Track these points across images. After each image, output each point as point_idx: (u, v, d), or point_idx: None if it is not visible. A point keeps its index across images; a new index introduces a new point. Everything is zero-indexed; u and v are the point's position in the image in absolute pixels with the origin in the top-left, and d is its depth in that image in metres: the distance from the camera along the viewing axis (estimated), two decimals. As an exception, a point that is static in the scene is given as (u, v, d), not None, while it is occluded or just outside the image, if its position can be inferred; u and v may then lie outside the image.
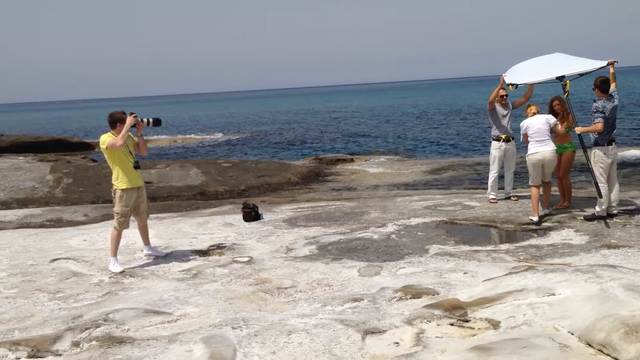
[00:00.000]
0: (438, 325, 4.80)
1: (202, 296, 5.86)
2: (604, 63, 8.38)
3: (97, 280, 6.63)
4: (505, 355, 4.01)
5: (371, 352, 4.39)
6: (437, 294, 5.56)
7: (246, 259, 7.25)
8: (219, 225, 9.43)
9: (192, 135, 41.21)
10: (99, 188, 15.88)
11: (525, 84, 9.26)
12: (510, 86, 9.12)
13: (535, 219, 8.25)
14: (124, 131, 6.84)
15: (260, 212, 9.89)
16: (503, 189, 10.20)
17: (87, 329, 4.98)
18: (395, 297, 5.51)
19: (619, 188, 8.43)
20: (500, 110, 9.91)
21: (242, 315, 5.20)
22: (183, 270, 6.90)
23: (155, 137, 37.40)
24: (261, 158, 25.89)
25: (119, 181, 7.01)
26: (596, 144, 8.09)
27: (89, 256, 7.63)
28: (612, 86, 8.15)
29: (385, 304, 5.36)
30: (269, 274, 6.58)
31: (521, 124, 8.64)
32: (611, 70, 8.31)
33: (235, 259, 7.26)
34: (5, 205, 14.39)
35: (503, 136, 9.87)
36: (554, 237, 7.58)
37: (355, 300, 5.50)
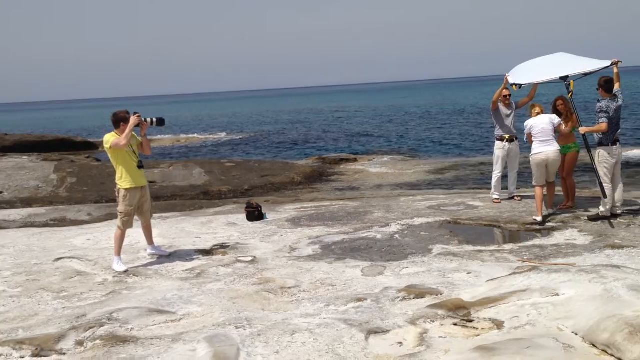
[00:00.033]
0: (441, 325, 4.80)
1: (205, 296, 5.86)
2: (608, 63, 8.37)
3: (100, 280, 6.64)
4: (509, 355, 4.01)
5: (374, 352, 4.39)
6: (441, 294, 5.55)
7: (249, 258, 7.26)
8: (223, 224, 9.44)
9: (195, 135, 41.25)
10: (102, 187, 15.91)
11: (529, 84, 9.25)
12: (514, 86, 9.11)
13: (539, 219, 8.24)
14: (127, 131, 6.85)
15: (263, 211, 9.90)
16: (507, 189, 10.19)
17: (91, 328, 4.99)
18: (398, 297, 5.51)
19: (623, 188, 8.41)
20: (503, 110, 9.89)
21: (245, 315, 5.21)
22: (186, 270, 6.90)
23: (159, 136, 37.46)
24: (264, 158, 25.90)
25: (123, 181, 7.02)
26: (600, 144, 8.08)
27: (93, 255, 7.64)
28: (616, 86, 8.14)
29: (389, 304, 5.36)
30: (272, 273, 6.59)
31: (525, 123, 8.63)
32: (615, 70, 8.29)
33: (238, 259, 7.26)
34: (10, 204, 14.43)
35: (506, 136, 9.86)
36: (558, 237, 7.56)
37: (359, 300, 5.50)
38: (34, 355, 4.58)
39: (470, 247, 7.36)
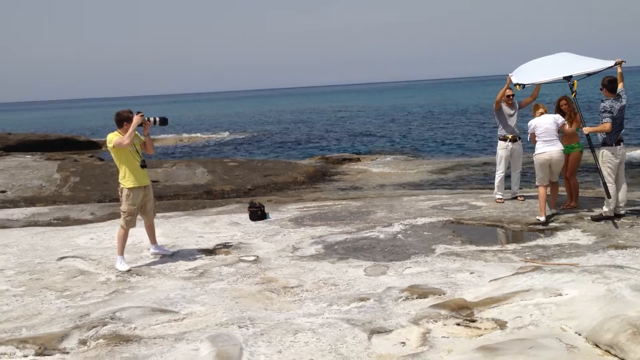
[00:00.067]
0: (444, 325, 4.79)
1: (208, 295, 5.87)
2: (612, 63, 8.36)
3: (104, 279, 6.65)
4: (512, 355, 4.00)
5: (377, 351, 4.39)
6: (444, 294, 5.55)
7: (252, 258, 7.26)
8: (225, 224, 9.44)
9: (198, 134, 41.28)
10: (105, 187, 15.94)
11: (532, 84, 9.24)
12: (517, 86, 9.10)
13: (542, 219, 8.23)
14: (130, 130, 6.86)
15: (266, 211, 9.90)
16: (510, 188, 10.18)
17: (94, 327, 5.00)
18: (401, 297, 5.51)
19: (627, 188, 8.40)
20: (506, 110, 9.89)
21: (248, 314, 5.21)
22: (189, 269, 6.91)
23: (162, 136, 37.49)
24: (267, 157, 25.91)
25: (126, 180, 7.03)
26: (604, 144, 8.06)
27: (96, 255, 7.66)
28: (620, 86, 8.12)
29: (392, 304, 5.36)
30: (275, 273, 6.59)
31: (529, 123, 8.62)
32: (619, 70, 8.27)
33: (241, 258, 7.27)
34: (13, 203, 14.46)
35: (509, 136, 9.85)
36: (561, 238, 7.56)
37: (362, 299, 5.50)
38: (37, 354, 4.59)
39: (473, 247, 7.36)
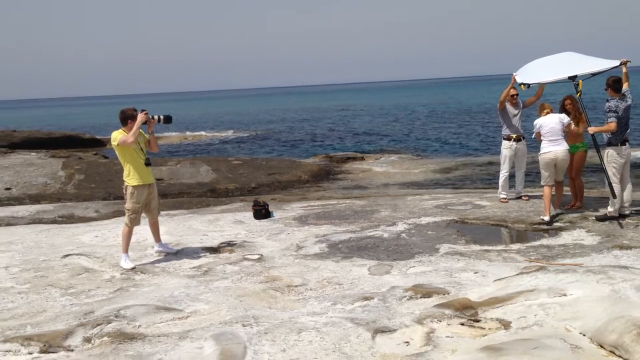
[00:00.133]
0: (448, 324, 4.79)
1: (212, 293, 5.87)
2: (617, 63, 8.33)
3: (108, 277, 6.67)
4: (516, 355, 4.00)
5: (381, 351, 4.39)
6: (448, 294, 5.54)
7: (256, 256, 7.27)
8: (230, 222, 9.45)
9: (202, 133, 41.29)
10: (110, 184, 15.97)
11: (537, 83, 9.22)
12: (522, 86, 9.08)
13: (547, 218, 8.22)
14: (135, 128, 6.87)
15: (270, 209, 9.91)
16: (514, 188, 10.16)
17: (98, 324, 5.01)
18: (405, 296, 5.50)
19: (632, 188, 8.37)
20: (510, 109, 9.87)
21: (252, 313, 5.21)
22: (194, 267, 6.92)
23: (166, 134, 37.53)
24: (271, 156, 25.92)
25: (130, 178, 7.04)
26: (609, 143, 8.05)
27: (101, 252, 7.67)
28: (625, 86, 8.10)
29: (396, 303, 5.36)
30: (279, 271, 6.59)
31: (534, 122, 8.61)
32: (624, 69, 8.25)
33: (245, 257, 7.27)
34: (18, 200, 14.51)
35: (514, 135, 9.83)
36: (566, 238, 7.54)
37: (366, 298, 5.50)
38: (42, 352, 4.60)
39: (478, 246, 7.35)
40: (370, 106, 72.33)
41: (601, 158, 8.12)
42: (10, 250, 7.96)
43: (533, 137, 8.80)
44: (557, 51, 9.50)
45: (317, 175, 18.53)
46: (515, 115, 9.85)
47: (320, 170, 19.44)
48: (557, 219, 8.38)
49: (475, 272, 6.15)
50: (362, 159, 22.80)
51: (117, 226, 8.73)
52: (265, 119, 56.82)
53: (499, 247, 7.29)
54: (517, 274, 5.83)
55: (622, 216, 8.08)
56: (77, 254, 7.56)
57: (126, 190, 7.10)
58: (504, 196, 9.92)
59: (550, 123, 8.40)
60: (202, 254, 7.51)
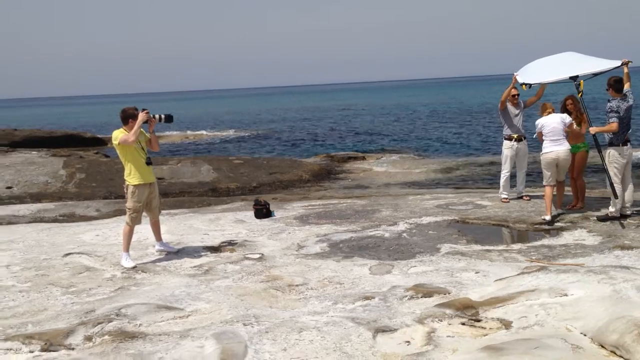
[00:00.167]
0: (449, 324, 4.79)
1: (213, 292, 5.87)
2: (618, 63, 8.33)
3: (109, 275, 6.67)
4: (517, 355, 4.00)
5: (382, 350, 4.39)
6: (449, 293, 5.54)
7: (257, 255, 7.27)
8: (231, 221, 9.45)
9: (203, 132, 41.30)
10: (111, 183, 15.97)
11: (538, 83, 9.21)
12: (523, 86, 9.08)
13: (548, 218, 8.21)
14: (136, 127, 6.87)
15: (271, 209, 9.91)
16: (515, 188, 10.16)
17: (99, 323, 5.01)
18: (406, 296, 5.50)
19: (633, 189, 8.37)
20: (511, 109, 9.87)
21: (253, 312, 5.21)
22: (195, 266, 6.92)
23: (167, 133, 37.54)
24: (273, 155, 25.92)
25: (131, 177, 7.04)
26: (611, 144, 8.04)
27: (102, 251, 7.68)
28: (627, 86, 8.10)
29: (397, 303, 5.36)
30: (280, 271, 6.59)
31: (536, 122, 8.61)
32: (625, 70, 8.25)
33: (246, 256, 7.27)
34: (19, 199, 14.51)
35: (515, 135, 9.83)
36: (567, 238, 7.54)
37: (367, 298, 5.50)
38: (43, 350, 4.61)
39: (479, 246, 7.35)
40: (371, 106, 72.32)
41: (603, 158, 8.11)
42: (11, 249, 7.97)
43: (534, 137, 8.80)
44: (557, 51, 9.51)
45: (318, 174, 18.53)
46: (516, 115, 9.85)
47: (321, 169, 19.43)
48: (558, 219, 8.37)
49: (477, 272, 6.15)
50: (363, 158, 22.80)
51: (118, 225, 8.73)
52: (266, 119, 56.82)
53: (500, 247, 7.29)
54: (518, 274, 5.83)
55: (623, 216, 8.08)
56: (78, 253, 7.57)
57: (127, 189, 7.10)
58: (505, 196, 9.92)
59: (552, 123, 8.40)
60: (203, 253, 7.51)
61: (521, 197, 10.01)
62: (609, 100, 8.03)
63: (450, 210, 9.43)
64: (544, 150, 8.45)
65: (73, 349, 4.64)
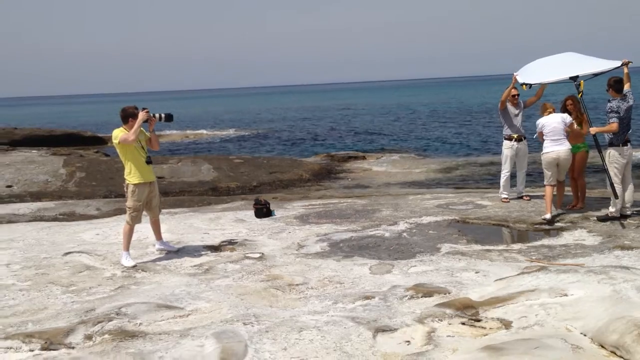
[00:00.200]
0: (449, 324, 4.79)
1: (213, 291, 5.87)
2: (618, 63, 8.33)
3: (109, 274, 6.67)
4: (517, 355, 4.00)
5: (382, 350, 4.39)
6: (449, 293, 5.54)
7: (258, 255, 7.27)
8: (231, 221, 9.45)
9: (204, 131, 41.30)
10: (111, 182, 15.98)
11: (538, 83, 9.22)
12: (523, 86, 9.08)
13: (548, 216, 8.22)
14: (136, 126, 6.86)
15: (271, 208, 9.91)
16: (515, 188, 10.16)
17: (99, 322, 5.01)
18: (406, 296, 5.51)
19: (634, 189, 8.37)
20: (511, 109, 9.87)
21: (253, 311, 5.21)
22: (195, 266, 6.92)
23: (167, 132, 37.53)
24: (273, 154, 25.92)
25: (132, 176, 7.04)
26: (611, 144, 8.04)
27: (102, 250, 7.68)
28: (627, 86, 8.10)
29: (397, 302, 5.36)
30: (280, 270, 6.59)
31: (537, 122, 8.62)
32: (625, 70, 8.25)
33: (246, 255, 7.27)
34: (19, 198, 14.52)
35: (515, 135, 9.83)
36: (567, 238, 7.54)
37: (367, 298, 5.50)
38: (43, 349, 4.61)
39: (479, 246, 7.35)
40: (371, 105, 72.33)
41: (603, 158, 8.11)
42: (11, 248, 7.97)
43: (535, 137, 8.80)
44: (557, 51, 9.51)
45: (318, 174, 18.54)
46: (516, 115, 9.85)
47: (321, 169, 19.44)
48: (558, 219, 8.37)
49: (477, 272, 6.15)
50: (364, 158, 22.81)
51: (118, 224, 8.73)
52: (266, 118, 56.83)
53: (500, 247, 7.29)
54: (518, 274, 5.83)
55: (623, 217, 8.08)
56: (78, 252, 7.57)
57: (127, 188, 7.10)
58: (505, 196, 9.92)
59: (553, 123, 8.41)
60: (203, 252, 7.51)
61: (521, 197, 10.01)
62: (609, 101, 8.03)
63: (450, 210, 9.44)
64: (544, 150, 8.46)
65: (73, 347, 4.64)
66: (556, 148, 8.34)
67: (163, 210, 8.58)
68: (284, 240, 8.00)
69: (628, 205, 8.21)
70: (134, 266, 6.88)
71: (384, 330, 4.70)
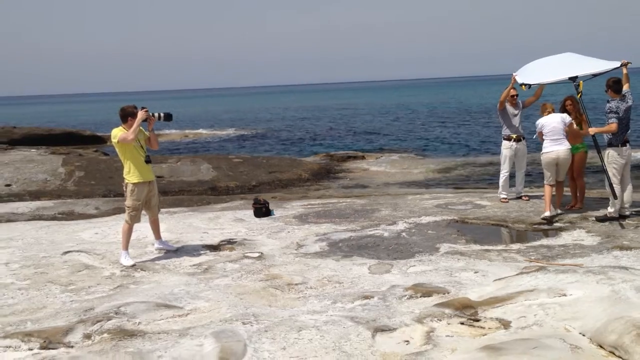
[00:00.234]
0: (448, 324, 4.79)
1: (212, 291, 5.88)
2: (618, 64, 8.34)
3: (108, 273, 6.67)
4: (515, 355, 4.00)
5: (381, 349, 4.39)
6: (448, 293, 5.55)
7: (257, 254, 7.27)
8: (230, 220, 9.45)
9: (203, 131, 41.29)
10: (110, 182, 15.97)
11: (537, 84, 9.22)
12: (523, 86, 9.09)
13: (547, 214, 8.23)
14: (135, 125, 6.86)
15: (271, 208, 9.91)
16: (514, 188, 10.17)
17: (98, 321, 5.01)
18: (405, 295, 5.51)
19: (632, 189, 8.38)
20: (510, 109, 9.87)
21: (252, 311, 5.22)
22: (194, 265, 6.92)
23: (167, 131, 37.52)
24: (272, 154, 25.93)
25: (131, 175, 7.04)
26: (610, 144, 8.05)
27: (101, 249, 7.68)
28: (626, 87, 8.11)
29: (396, 302, 5.36)
30: (279, 270, 6.60)
31: (536, 122, 8.63)
32: (624, 71, 8.26)
33: (245, 255, 7.28)
34: (18, 197, 14.51)
35: (514, 136, 9.83)
36: (566, 238, 7.54)
37: (366, 297, 5.50)
38: (42, 348, 4.61)
39: (478, 246, 7.35)
40: (370, 105, 72.33)
41: (602, 159, 8.12)
42: (10, 247, 7.97)
43: (534, 137, 8.80)
44: (557, 51, 9.52)
45: (317, 173, 18.54)
46: (515, 116, 9.85)
47: (320, 168, 19.44)
48: (557, 219, 8.38)
49: (476, 272, 6.15)
50: (363, 157, 22.82)
51: (117, 223, 8.73)
52: (265, 117, 56.82)
53: (499, 247, 7.29)
54: (517, 274, 5.84)
55: (622, 217, 8.08)
56: (77, 251, 7.57)
57: (126, 188, 7.10)
58: (504, 196, 9.92)
59: (552, 123, 8.42)
60: (202, 252, 7.51)
61: (520, 197, 10.02)
62: (608, 101, 8.04)
63: (449, 210, 9.44)
64: (544, 150, 8.46)
65: (72, 347, 4.64)
66: (556, 148, 8.35)
67: (162, 210, 8.58)
68: (283, 240, 8.00)
69: (627, 205, 8.21)
70: (133, 265, 6.88)
71: (383, 330, 4.70)
